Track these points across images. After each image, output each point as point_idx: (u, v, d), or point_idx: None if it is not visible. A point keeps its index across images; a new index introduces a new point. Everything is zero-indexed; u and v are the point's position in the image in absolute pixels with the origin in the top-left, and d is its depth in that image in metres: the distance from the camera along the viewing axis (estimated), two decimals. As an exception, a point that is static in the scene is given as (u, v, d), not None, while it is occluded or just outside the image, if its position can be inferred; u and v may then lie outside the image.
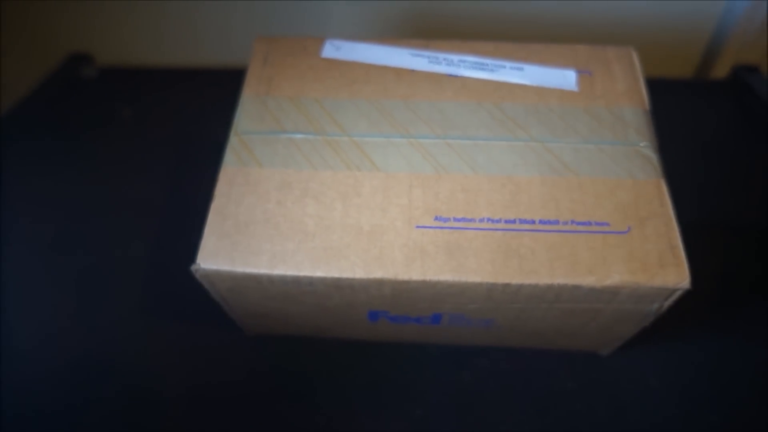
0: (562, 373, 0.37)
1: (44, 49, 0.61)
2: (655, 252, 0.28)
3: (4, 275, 0.41)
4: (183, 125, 0.53)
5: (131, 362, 0.38)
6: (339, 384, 0.37)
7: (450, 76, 0.35)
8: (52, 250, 0.44)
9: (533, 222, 0.29)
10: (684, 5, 0.63)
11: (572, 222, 0.29)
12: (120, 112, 0.55)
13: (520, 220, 0.29)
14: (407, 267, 0.28)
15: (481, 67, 0.35)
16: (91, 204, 0.47)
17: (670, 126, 0.37)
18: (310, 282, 0.29)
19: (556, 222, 0.29)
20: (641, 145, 0.32)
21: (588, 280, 0.28)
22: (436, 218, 0.29)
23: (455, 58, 0.36)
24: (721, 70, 0.65)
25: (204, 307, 0.34)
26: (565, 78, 0.35)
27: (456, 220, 0.29)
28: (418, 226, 0.29)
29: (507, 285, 0.28)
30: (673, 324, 0.33)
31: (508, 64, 0.36)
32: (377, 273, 0.28)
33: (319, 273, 0.28)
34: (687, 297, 0.28)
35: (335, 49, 0.37)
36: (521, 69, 0.35)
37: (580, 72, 0.35)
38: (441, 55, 0.36)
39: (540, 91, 0.34)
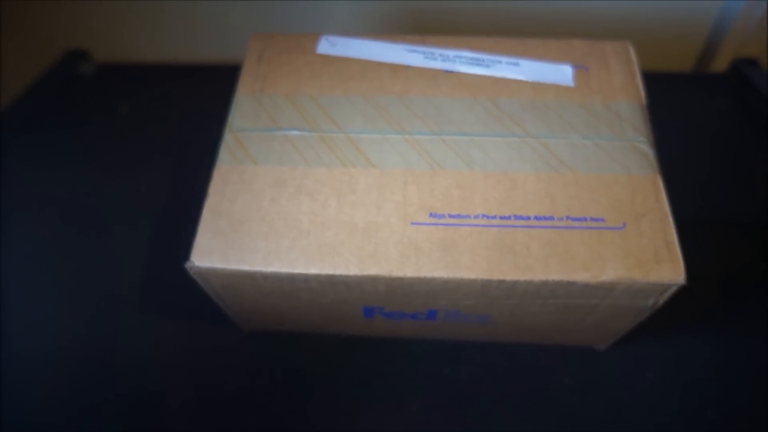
0: (559, 369, 0.37)
1: (41, 45, 0.61)
2: (650, 248, 0.28)
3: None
4: (180, 122, 0.53)
5: (128, 359, 0.38)
6: (335, 379, 0.37)
7: (446, 71, 0.35)
8: (48, 246, 0.44)
9: (528, 218, 0.29)
10: (684, -2, 0.62)
11: (567, 218, 0.29)
12: (117, 109, 0.55)
13: (515, 216, 0.29)
14: (401, 264, 0.28)
15: (477, 63, 0.35)
16: (88, 200, 0.47)
17: (669, 120, 0.37)
18: (305, 279, 0.29)
19: (552, 218, 0.29)
20: (637, 140, 0.32)
21: (583, 276, 0.28)
22: (431, 215, 0.29)
23: (451, 53, 0.36)
24: (720, 64, 0.65)
25: (200, 304, 0.34)
26: (562, 73, 0.35)
27: (451, 216, 0.29)
28: (412, 223, 0.29)
29: (502, 281, 0.28)
30: (670, 318, 0.33)
31: (504, 59, 0.36)
32: (371, 270, 0.28)
33: (313, 270, 0.28)
34: (684, 292, 0.28)
35: (331, 45, 0.37)
36: (517, 64, 0.35)
37: (577, 67, 0.35)
38: (437, 51, 0.36)
39: (536, 87, 0.34)
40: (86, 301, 0.40)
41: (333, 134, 0.32)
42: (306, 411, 0.35)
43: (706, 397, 0.36)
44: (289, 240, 0.29)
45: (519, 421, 0.35)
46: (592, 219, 0.29)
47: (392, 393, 0.36)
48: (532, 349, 0.38)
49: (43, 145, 0.51)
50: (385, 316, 0.33)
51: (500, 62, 0.35)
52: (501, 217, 0.29)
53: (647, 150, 0.31)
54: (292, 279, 0.29)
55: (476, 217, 0.29)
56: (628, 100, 0.34)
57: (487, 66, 0.35)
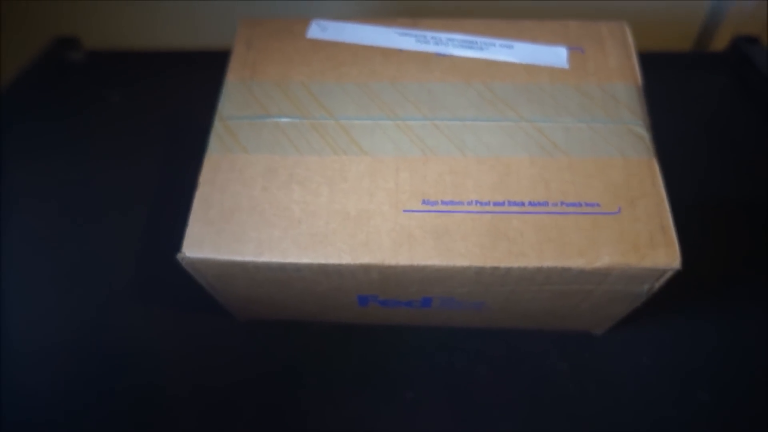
0: (555, 354, 0.37)
1: (29, 32, 0.60)
2: (645, 232, 0.28)
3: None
4: (173, 110, 0.53)
5: (123, 350, 0.38)
6: (331, 367, 0.37)
7: (438, 55, 0.34)
8: (38, 236, 0.43)
9: (522, 204, 0.29)
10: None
11: (562, 203, 0.29)
12: (108, 97, 0.54)
13: (509, 202, 0.29)
14: (394, 252, 0.28)
15: (470, 46, 0.35)
16: (80, 191, 0.46)
17: (667, 100, 0.36)
18: (297, 269, 0.29)
19: (546, 203, 0.29)
20: (633, 123, 0.31)
21: (578, 262, 0.27)
22: (424, 202, 0.29)
23: (444, 36, 0.35)
24: (720, 43, 0.64)
25: (195, 294, 0.33)
26: (556, 55, 0.34)
27: (444, 203, 0.29)
28: (405, 210, 0.29)
29: (496, 268, 0.28)
30: (666, 302, 0.33)
31: (497, 41, 0.35)
32: (364, 259, 0.28)
33: (305, 260, 0.28)
34: (681, 275, 0.28)
35: (321, 30, 0.36)
36: (511, 47, 0.35)
37: (572, 49, 0.35)
38: (429, 34, 0.35)
39: (530, 69, 0.34)
40: (78, 292, 0.40)
41: (324, 121, 0.32)
42: (300, 399, 0.35)
43: (701, 380, 0.36)
44: (280, 229, 0.29)
45: (515, 406, 0.35)
46: (587, 204, 0.29)
47: (388, 380, 0.36)
48: (527, 334, 0.38)
49: (31, 136, 0.51)
50: (380, 304, 0.33)
51: (494, 45, 0.35)
52: (495, 203, 0.29)
53: (643, 133, 0.31)
54: (284, 269, 0.29)
55: (469, 203, 0.29)
56: (624, 82, 0.33)
57: (481, 49, 0.35)
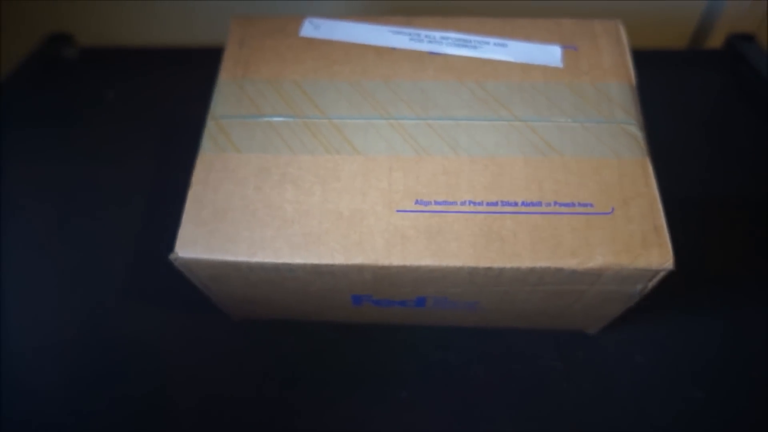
0: (549, 353, 0.37)
1: (22, 29, 0.60)
2: (638, 233, 0.28)
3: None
4: (168, 107, 0.52)
5: (119, 350, 0.38)
6: (325, 366, 0.37)
7: (432, 53, 0.34)
8: (33, 235, 0.43)
9: (516, 204, 0.29)
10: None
11: (555, 203, 0.29)
12: (103, 95, 0.54)
13: (502, 202, 0.29)
14: (387, 252, 0.28)
15: (464, 44, 0.35)
16: (74, 189, 0.46)
17: (662, 98, 0.36)
18: (290, 269, 0.28)
19: (539, 204, 0.29)
20: (627, 122, 0.31)
21: (571, 263, 0.27)
22: (417, 202, 0.29)
23: (437, 35, 0.35)
24: (716, 40, 0.64)
25: (190, 294, 0.33)
26: (550, 54, 0.34)
27: (437, 203, 0.29)
28: (398, 210, 0.29)
29: (489, 269, 0.28)
30: (660, 301, 0.33)
31: (491, 40, 0.35)
32: (357, 259, 0.28)
33: (298, 260, 0.28)
34: (675, 275, 0.28)
35: (314, 28, 0.36)
36: (505, 45, 0.35)
37: (566, 47, 0.34)
38: (422, 32, 0.35)
39: (524, 68, 0.34)
40: (73, 291, 0.40)
41: (317, 120, 0.32)
42: (294, 398, 0.35)
43: (695, 378, 0.36)
44: (273, 229, 0.28)
45: (509, 405, 0.35)
46: (580, 204, 0.29)
47: (382, 379, 0.36)
48: (522, 333, 0.38)
49: (25, 134, 0.50)
50: (374, 303, 0.33)
51: (487, 43, 0.35)
52: (488, 204, 0.29)
53: (637, 132, 0.31)
54: (277, 269, 0.28)
55: (463, 203, 0.29)
56: (618, 81, 0.33)
57: (474, 47, 0.34)
